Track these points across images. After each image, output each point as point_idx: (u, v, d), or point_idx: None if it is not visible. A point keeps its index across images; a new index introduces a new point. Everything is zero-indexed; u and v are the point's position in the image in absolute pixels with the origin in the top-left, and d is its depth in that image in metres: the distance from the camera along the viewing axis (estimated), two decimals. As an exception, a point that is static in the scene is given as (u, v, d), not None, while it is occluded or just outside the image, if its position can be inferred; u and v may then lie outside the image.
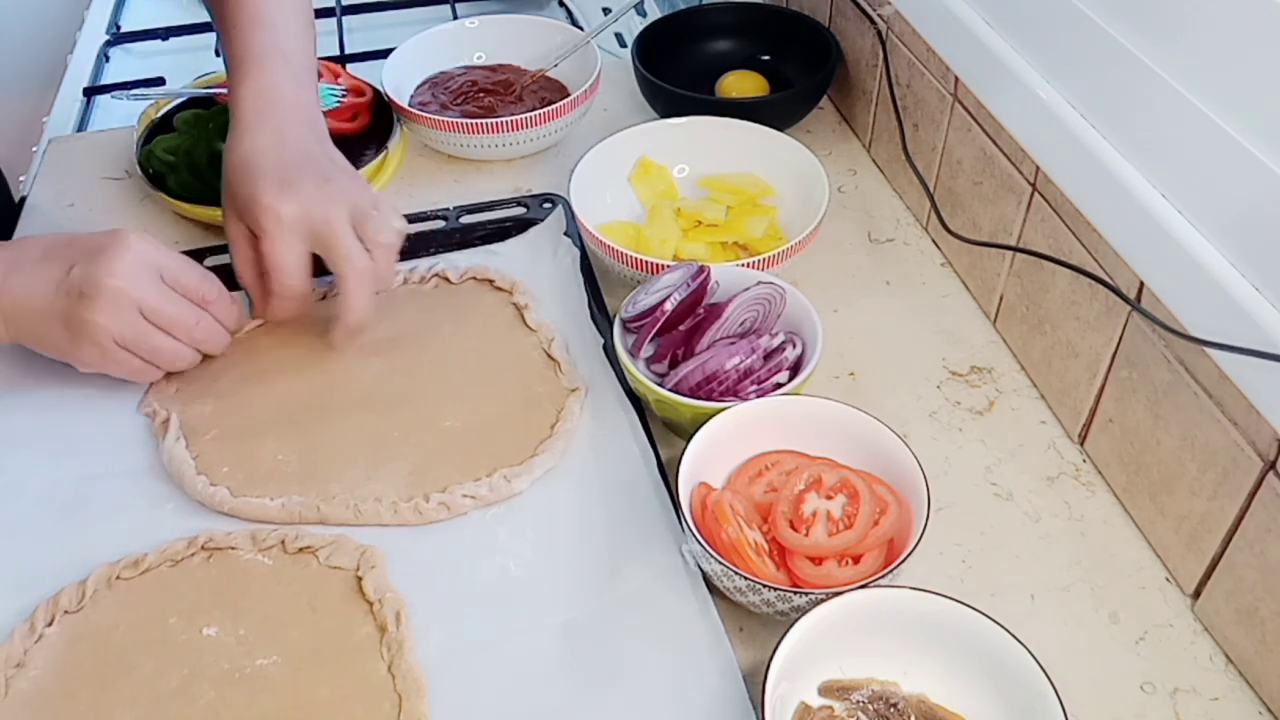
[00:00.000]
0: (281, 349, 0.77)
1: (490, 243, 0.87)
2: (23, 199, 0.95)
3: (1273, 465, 0.55)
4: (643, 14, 1.24)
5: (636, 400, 0.73)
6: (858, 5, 0.97)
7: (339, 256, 0.71)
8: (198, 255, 0.83)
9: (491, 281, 0.83)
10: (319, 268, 0.74)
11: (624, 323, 0.72)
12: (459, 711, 0.57)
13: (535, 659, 0.59)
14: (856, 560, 0.61)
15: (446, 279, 0.83)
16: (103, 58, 1.16)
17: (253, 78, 0.76)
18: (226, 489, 0.67)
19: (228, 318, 0.74)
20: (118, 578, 0.63)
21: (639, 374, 0.69)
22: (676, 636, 0.60)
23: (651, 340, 0.72)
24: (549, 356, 0.76)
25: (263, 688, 0.58)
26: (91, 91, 1.11)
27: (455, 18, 1.13)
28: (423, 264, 0.85)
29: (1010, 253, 0.77)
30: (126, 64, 1.16)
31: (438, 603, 0.62)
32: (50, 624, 0.60)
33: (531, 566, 0.64)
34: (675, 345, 0.72)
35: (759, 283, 0.73)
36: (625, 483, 0.68)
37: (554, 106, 0.95)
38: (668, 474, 0.68)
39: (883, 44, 0.93)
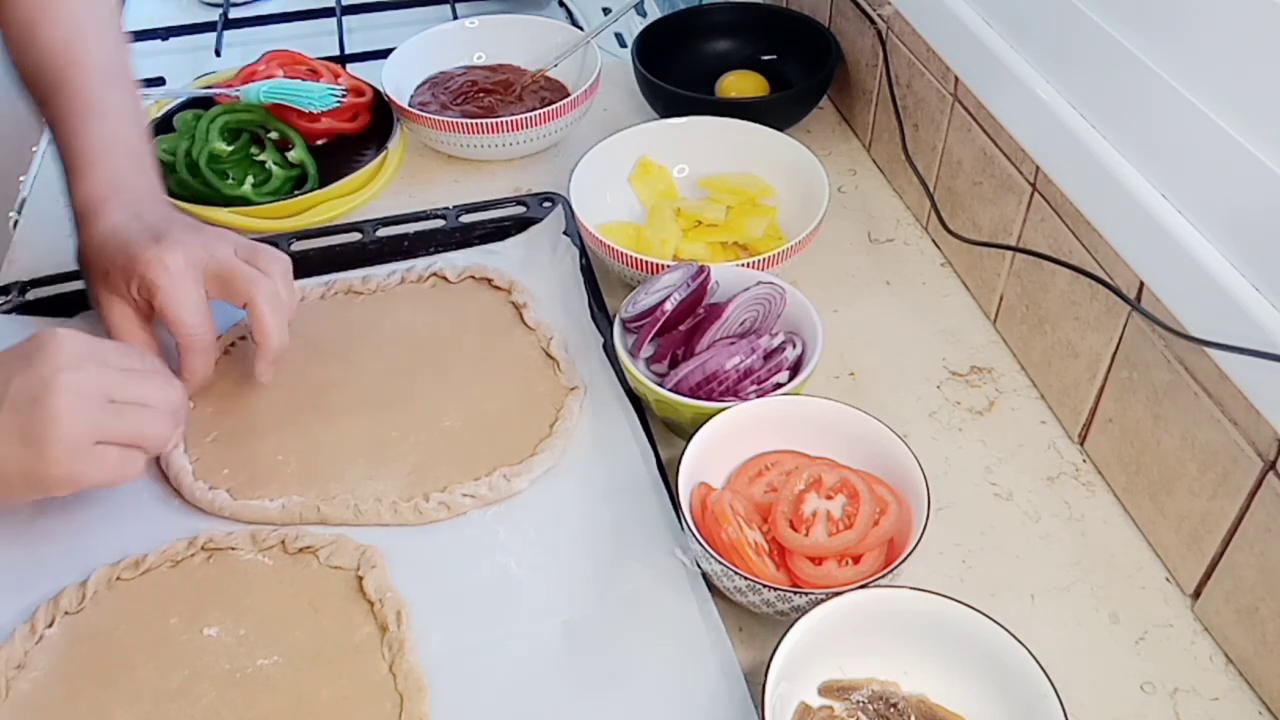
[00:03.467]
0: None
1: (489, 242, 0.87)
2: (23, 201, 0.95)
3: (1273, 465, 0.55)
4: (643, 14, 1.24)
5: (636, 400, 0.73)
6: (858, 5, 0.97)
7: (243, 283, 0.67)
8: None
9: (490, 280, 0.83)
10: None
11: (624, 323, 0.72)
12: (460, 711, 0.57)
13: (536, 659, 0.59)
14: (856, 560, 0.61)
15: (444, 278, 0.83)
16: (103, 58, 1.16)
17: (94, 173, 0.71)
18: (226, 492, 0.67)
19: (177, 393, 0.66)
20: (118, 578, 0.63)
21: (639, 374, 0.69)
22: (677, 636, 0.60)
23: (651, 340, 0.72)
24: (548, 355, 0.76)
25: (264, 688, 0.58)
26: (91, 91, 1.11)
27: (455, 18, 1.13)
28: (420, 263, 0.85)
29: (1010, 253, 0.77)
30: (126, 64, 1.16)
31: (438, 602, 0.62)
32: (51, 625, 0.60)
33: (532, 566, 0.64)
34: (675, 345, 0.72)
35: (759, 283, 0.73)
36: (625, 483, 0.68)
37: (554, 106, 0.95)
38: (668, 474, 0.68)
39: (883, 44, 0.93)
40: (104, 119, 0.74)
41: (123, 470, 0.61)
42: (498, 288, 0.82)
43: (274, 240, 0.84)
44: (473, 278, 0.83)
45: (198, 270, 0.67)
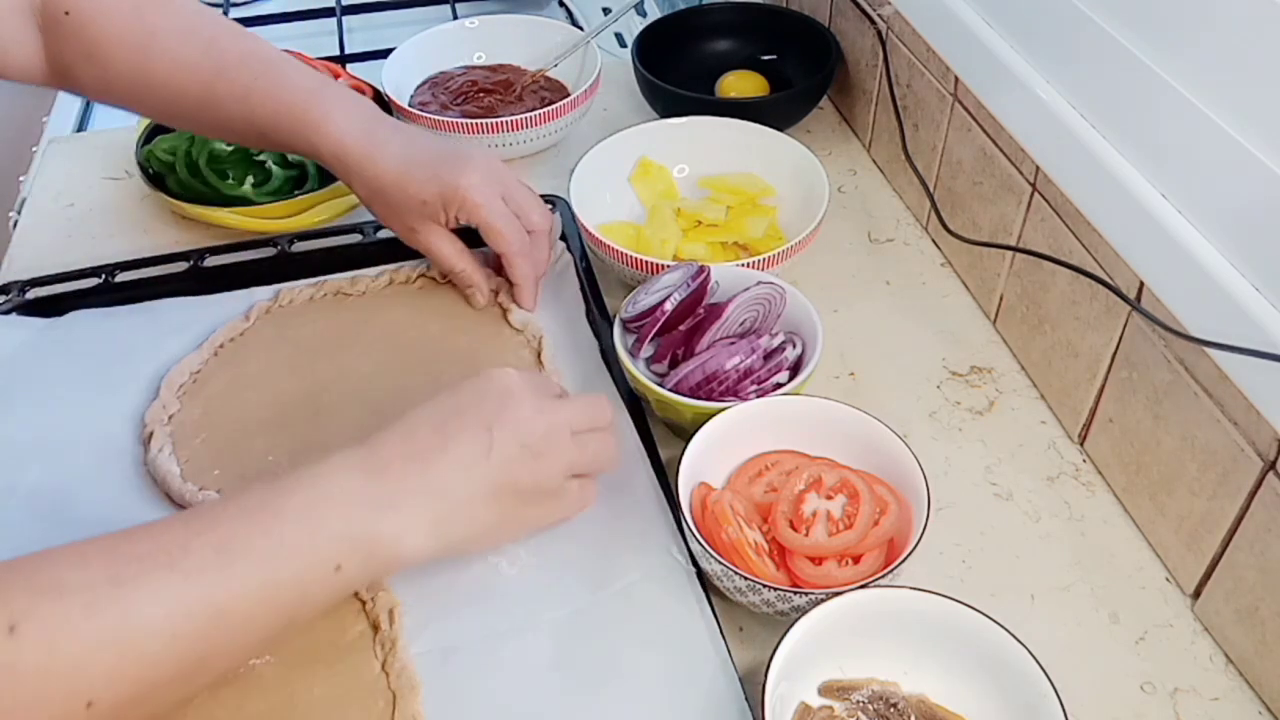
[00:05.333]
0: (270, 351, 0.76)
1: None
2: (23, 201, 0.95)
3: (1273, 465, 0.55)
4: (643, 14, 1.24)
5: (636, 400, 0.72)
6: (858, 5, 0.97)
7: (534, 209, 0.77)
8: (197, 255, 0.83)
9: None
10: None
11: (624, 323, 0.72)
12: (452, 710, 0.57)
13: (528, 658, 0.59)
14: (856, 560, 0.61)
15: (432, 279, 0.82)
16: (103, 58, 1.16)
17: (330, 119, 0.73)
18: (216, 493, 0.66)
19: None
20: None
21: (639, 374, 0.69)
22: (671, 636, 0.60)
23: (651, 340, 0.71)
24: (537, 356, 0.76)
25: (256, 687, 0.57)
26: (92, 91, 1.11)
27: (455, 18, 1.13)
28: (408, 264, 0.84)
29: (1010, 253, 0.77)
30: (127, 64, 1.16)
31: (430, 601, 0.61)
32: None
33: (524, 565, 0.63)
34: (675, 345, 0.72)
35: (759, 283, 0.72)
36: (622, 482, 0.68)
37: (554, 106, 0.95)
38: (668, 474, 0.68)
39: (883, 44, 0.93)
40: (285, 69, 0.75)
41: (585, 500, 0.63)
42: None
43: (274, 240, 0.84)
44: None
45: (498, 187, 0.75)
